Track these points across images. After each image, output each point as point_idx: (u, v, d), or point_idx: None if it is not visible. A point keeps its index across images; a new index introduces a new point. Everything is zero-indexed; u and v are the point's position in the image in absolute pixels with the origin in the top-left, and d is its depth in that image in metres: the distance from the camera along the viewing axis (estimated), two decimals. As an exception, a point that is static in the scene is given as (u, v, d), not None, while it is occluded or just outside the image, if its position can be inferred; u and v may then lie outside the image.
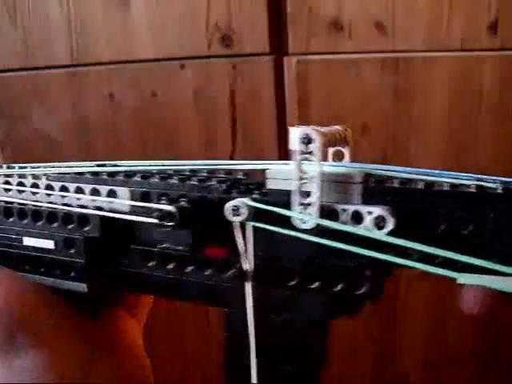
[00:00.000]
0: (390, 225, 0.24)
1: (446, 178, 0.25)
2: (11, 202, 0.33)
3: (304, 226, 0.25)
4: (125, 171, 0.31)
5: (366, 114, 0.74)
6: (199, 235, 0.28)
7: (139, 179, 0.30)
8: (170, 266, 0.29)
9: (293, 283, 0.27)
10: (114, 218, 0.30)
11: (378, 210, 0.24)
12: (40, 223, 0.31)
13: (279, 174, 0.26)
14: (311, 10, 0.72)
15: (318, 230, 0.25)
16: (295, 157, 0.25)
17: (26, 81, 0.82)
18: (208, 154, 0.79)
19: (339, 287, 0.26)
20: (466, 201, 0.24)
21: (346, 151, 0.30)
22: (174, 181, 0.29)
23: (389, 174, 0.26)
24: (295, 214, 0.25)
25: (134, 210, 0.30)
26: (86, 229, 0.30)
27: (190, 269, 0.29)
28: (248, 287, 0.27)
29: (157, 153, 0.81)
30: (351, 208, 0.25)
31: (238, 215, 0.26)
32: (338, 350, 0.84)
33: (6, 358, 0.28)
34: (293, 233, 0.25)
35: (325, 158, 0.30)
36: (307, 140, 0.25)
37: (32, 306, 0.29)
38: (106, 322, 0.33)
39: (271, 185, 0.27)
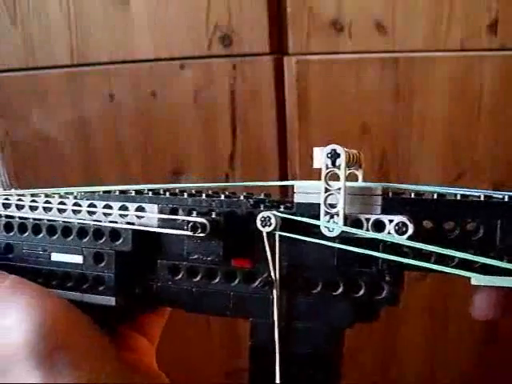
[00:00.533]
0: (410, 230, 0.26)
1: (457, 189, 0.28)
2: (39, 219, 0.33)
3: (330, 234, 0.27)
4: (152, 189, 0.32)
5: (366, 114, 0.74)
6: (229, 246, 0.29)
7: (168, 196, 0.31)
8: (197, 279, 0.31)
9: (317, 290, 0.29)
10: (144, 232, 0.31)
11: (398, 218, 0.26)
12: (69, 239, 0.32)
13: (307, 188, 0.29)
14: (311, 9, 0.72)
15: (343, 239, 0.27)
16: (322, 171, 0.27)
17: (26, 81, 0.82)
18: (208, 153, 0.79)
19: (361, 293, 0.28)
20: (475, 209, 0.26)
21: (359, 174, 0.32)
22: (203, 197, 0.31)
23: (406, 187, 0.29)
24: (322, 222, 0.27)
25: (163, 225, 0.31)
26: (117, 243, 0.31)
27: (216, 280, 0.30)
28: (275, 295, 0.29)
29: (157, 153, 0.81)
30: (373, 217, 0.27)
31: (268, 225, 0.28)
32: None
33: (50, 373, 0.28)
34: (320, 241, 0.27)
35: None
36: (334, 155, 0.27)
37: (69, 324, 0.30)
38: (121, 342, 0.33)
39: (298, 199, 0.29)
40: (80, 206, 0.33)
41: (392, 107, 0.73)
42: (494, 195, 0.27)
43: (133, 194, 0.32)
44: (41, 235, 0.33)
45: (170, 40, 0.76)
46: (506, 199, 0.26)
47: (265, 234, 0.28)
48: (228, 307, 0.30)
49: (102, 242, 0.31)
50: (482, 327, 0.77)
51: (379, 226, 0.27)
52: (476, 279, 0.25)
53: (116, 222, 0.31)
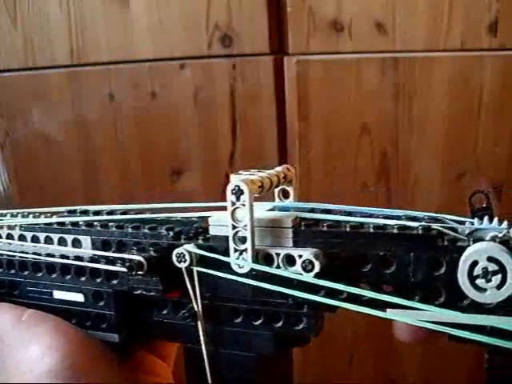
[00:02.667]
0: (317, 267, 0.26)
1: (373, 219, 0.27)
2: (39, 256, 0.34)
3: (241, 271, 0.28)
4: (87, 220, 0.33)
5: (366, 114, 0.74)
6: (166, 280, 0.30)
7: (99, 228, 0.32)
8: (165, 312, 0.32)
9: (239, 320, 0.30)
10: None
11: (306, 254, 0.26)
12: (68, 277, 0.33)
13: (219, 221, 0.29)
14: (311, 9, 0.72)
15: (256, 273, 0.27)
16: (228, 207, 0.27)
17: (26, 81, 0.82)
18: (208, 153, 0.79)
19: (280, 324, 0.29)
20: (387, 241, 0.26)
21: (290, 189, 0.32)
22: (129, 230, 0.31)
23: (319, 216, 0.29)
24: (231, 259, 0.28)
25: (102, 259, 0.32)
26: (115, 282, 0.32)
27: (156, 311, 0.32)
28: (200, 326, 0.30)
29: (157, 153, 0.81)
30: (283, 252, 0.27)
31: (183, 261, 0.29)
32: (338, 350, 0.84)
33: None
34: (231, 276, 0.28)
35: (273, 197, 0.33)
36: (237, 192, 0.27)
37: (90, 354, 0.30)
38: (141, 368, 0.34)
39: (214, 231, 0.29)
40: (25, 237, 0.34)
41: (392, 107, 0.73)
42: (408, 224, 0.26)
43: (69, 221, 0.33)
44: (41, 273, 0.34)
45: (170, 40, 0.76)
46: (420, 230, 0.25)
47: (183, 269, 0.29)
48: (166, 335, 0.32)
49: (99, 280, 0.32)
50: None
51: (290, 260, 0.27)
52: (389, 316, 0.25)
53: (113, 262, 0.32)
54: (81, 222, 0.33)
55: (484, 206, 0.26)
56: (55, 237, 0.33)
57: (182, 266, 0.29)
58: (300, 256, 0.26)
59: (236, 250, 0.27)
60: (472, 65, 0.69)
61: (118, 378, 0.31)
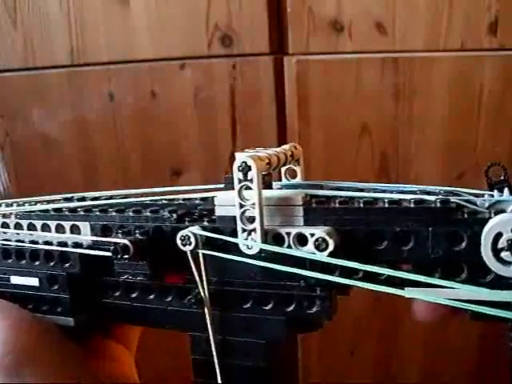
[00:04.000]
0: (331, 246, 0.24)
1: (387, 194, 0.26)
2: None
3: (250, 252, 0.26)
4: (86, 206, 0.32)
5: (366, 114, 0.74)
6: (156, 265, 0.29)
7: (98, 213, 0.31)
8: (134, 295, 0.31)
9: (248, 306, 0.28)
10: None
11: (319, 232, 0.25)
12: (24, 262, 0.33)
13: (226, 200, 0.27)
14: (311, 9, 0.72)
15: (265, 254, 0.26)
16: (235, 185, 0.26)
17: (26, 81, 0.82)
18: (208, 153, 0.79)
19: (292, 307, 0.27)
20: (404, 216, 0.24)
21: (297, 169, 0.31)
22: (130, 214, 0.30)
23: (330, 193, 0.27)
24: (240, 240, 0.26)
25: (95, 244, 0.31)
26: (67, 265, 0.31)
27: (152, 297, 0.30)
28: (206, 312, 0.28)
29: (157, 153, 0.81)
30: (294, 231, 0.26)
31: (188, 244, 0.27)
32: (339, 350, 0.84)
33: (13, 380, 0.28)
34: (240, 258, 0.26)
35: (279, 177, 0.32)
36: (245, 168, 0.25)
37: (38, 338, 0.30)
38: (98, 352, 0.33)
39: (220, 212, 0.28)
40: (21, 225, 0.34)
41: (392, 107, 0.73)
42: (425, 198, 0.25)
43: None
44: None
45: (170, 40, 0.76)
46: (438, 203, 0.24)
47: (188, 253, 0.28)
48: (167, 322, 0.31)
49: (53, 264, 0.32)
50: (482, 323, 0.77)
51: (302, 240, 0.26)
52: (407, 294, 0.24)
53: (66, 244, 0.32)
54: (79, 209, 0.32)
55: (502, 178, 0.25)
56: (53, 224, 0.33)
57: (187, 249, 0.27)
58: (312, 235, 0.25)
59: (244, 231, 0.26)
60: (472, 65, 0.69)
61: (71, 362, 0.30)
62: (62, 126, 0.83)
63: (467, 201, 0.24)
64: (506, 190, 0.25)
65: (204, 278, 0.28)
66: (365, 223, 0.25)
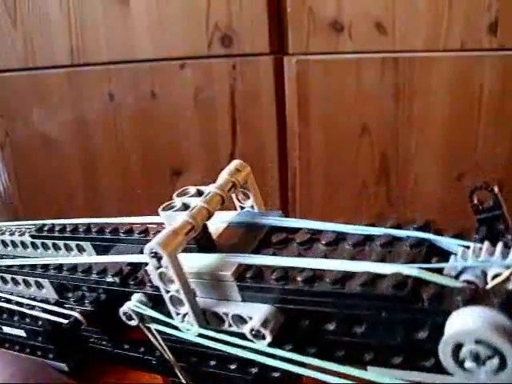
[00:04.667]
0: (268, 337, 0.23)
1: (332, 263, 0.22)
2: None
3: (190, 333, 0.25)
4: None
5: (366, 114, 0.74)
6: (114, 328, 0.30)
7: (54, 272, 0.32)
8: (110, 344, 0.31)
9: (213, 363, 0.27)
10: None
11: (255, 319, 0.23)
12: (6, 315, 0.35)
13: (153, 274, 0.25)
14: (311, 9, 0.72)
15: (206, 335, 0.24)
16: (151, 274, 0.25)
17: (26, 81, 0.82)
18: (208, 153, 0.79)
19: (256, 369, 0.26)
20: (350, 301, 0.21)
21: (249, 193, 0.29)
22: (80, 275, 0.31)
23: (264, 261, 0.24)
24: (177, 323, 0.24)
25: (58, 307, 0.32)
26: (40, 322, 0.33)
27: (126, 347, 0.31)
28: (176, 369, 0.28)
29: (157, 153, 0.81)
30: (231, 311, 0.24)
31: (132, 319, 0.27)
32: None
33: None
34: (183, 337, 0.25)
35: (233, 205, 0.30)
36: (156, 256, 0.23)
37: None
38: None
39: (153, 283, 0.27)
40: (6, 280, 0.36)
41: (392, 107, 0.73)
42: (379, 275, 0.21)
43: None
44: None
45: (170, 40, 0.76)
46: (390, 290, 0.20)
47: (139, 326, 0.27)
48: (147, 367, 0.31)
49: (30, 320, 0.33)
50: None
51: (242, 319, 0.24)
52: (370, 375, 0.20)
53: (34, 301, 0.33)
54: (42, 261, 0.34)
55: (491, 205, 0.21)
56: (20, 279, 0.35)
57: (133, 323, 0.27)
58: (250, 318, 0.23)
59: (178, 314, 0.24)
60: (472, 65, 0.69)
61: None
62: (62, 125, 0.83)
63: (431, 270, 0.20)
64: (486, 244, 0.20)
65: (162, 343, 0.27)
66: (306, 303, 0.22)
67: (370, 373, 0.21)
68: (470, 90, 0.70)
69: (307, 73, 0.74)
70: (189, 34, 0.76)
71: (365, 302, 0.21)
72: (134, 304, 0.26)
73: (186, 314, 0.24)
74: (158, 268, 0.23)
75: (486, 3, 0.66)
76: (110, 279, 0.29)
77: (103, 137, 0.82)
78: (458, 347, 0.18)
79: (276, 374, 0.25)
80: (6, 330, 0.35)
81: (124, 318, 0.27)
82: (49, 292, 0.33)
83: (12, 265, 0.35)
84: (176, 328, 0.25)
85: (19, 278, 0.35)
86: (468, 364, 0.18)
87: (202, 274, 0.24)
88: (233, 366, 0.26)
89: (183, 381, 0.28)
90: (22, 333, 0.34)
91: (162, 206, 0.26)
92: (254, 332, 0.23)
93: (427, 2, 0.68)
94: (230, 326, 0.24)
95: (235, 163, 0.28)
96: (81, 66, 0.80)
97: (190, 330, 0.24)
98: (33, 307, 0.33)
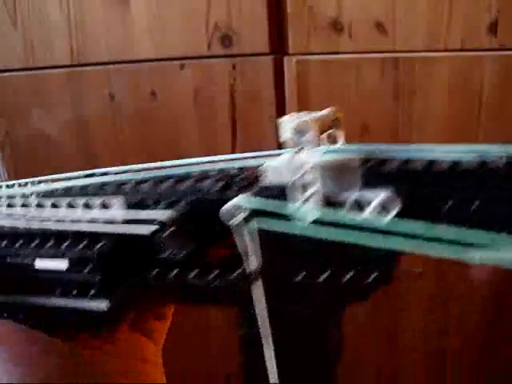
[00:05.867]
0: (393, 211, 0.23)
1: (447, 154, 0.24)
2: (15, 226, 0.31)
3: (306, 220, 0.24)
4: (115, 181, 0.30)
5: (366, 114, 0.74)
6: (199, 239, 0.27)
7: (133, 185, 0.29)
8: (174, 273, 0.28)
9: (300, 277, 0.26)
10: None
11: (379, 197, 0.23)
12: (50, 244, 0.29)
13: (276, 167, 0.25)
14: (311, 9, 0.72)
15: (321, 222, 0.24)
16: (291, 149, 0.24)
17: (26, 81, 0.82)
18: (208, 153, 0.79)
19: (348, 276, 0.25)
20: (466, 177, 0.23)
21: (339, 134, 0.29)
22: (169, 184, 0.28)
23: (386, 155, 0.25)
24: (296, 209, 0.24)
25: (129, 221, 0.28)
26: (99, 245, 0.29)
27: (194, 273, 0.28)
28: (255, 288, 0.26)
29: (157, 153, 0.81)
30: (353, 196, 0.24)
31: (235, 218, 0.25)
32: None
33: None
34: (295, 228, 0.24)
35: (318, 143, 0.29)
36: (302, 131, 0.24)
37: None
38: (127, 349, 0.31)
39: (268, 179, 0.25)
40: (43, 206, 0.30)
41: (392, 107, 0.73)
42: (489, 159, 0.23)
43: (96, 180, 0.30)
44: (19, 242, 0.30)
45: (170, 40, 0.76)
46: (502, 163, 0.23)
47: (236, 226, 0.25)
48: (212, 299, 0.28)
49: (82, 245, 0.29)
50: (482, 328, 0.77)
51: (360, 205, 0.24)
52: (476, 258, 0.21)
53: (95, 221, 0.29)
54: (105, 185, 0.29)
55: None
56: (80, 201, 0.29)
57: (234, 223, 0.25)
58: (371, 199, 0.23)
59: (300, 198, 0.24)
60: (472, 65, 0.69)
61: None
62: (61, 125, 0.83)
63: None
64: None
65: (253, 250, 0.25)
66: (425, 185, 0.23)
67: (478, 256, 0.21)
68: (470, 89, 0.70)
69: (307, 73, 0.74)
70: (189, 34, 0.76)
71: (480, 177, 0.22)
72: (245, 197, 0.25)
73: (310, 197, 0.24)
74: (298, 144, 0.24)
75: (486, 3, 0.66)
76: (208, 185, 0.27)
77: (103, 137, 0.82)
78: None
79: (369, 279, 0.24)
80: (40, 263, 0.29)
81: (224, 218, 0.25)
82: (116, 212, 0.28)
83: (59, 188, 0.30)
84: (287, 221, 0.24)
85: (77, 200, 0.29)
86: None
87: (324, 163, 0.24)
88: (322, 277, 0.25)
89: (260, 309, 0.26)
90: (62, 263, 0.29)
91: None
92: (379, 206, 0.23)
93: (427, 2, 0.68)
94: (347, 213, 0.24)
95: (332, 108, 0.29)
96: (81, 66, 0.80)
97: (308, 216, 0.24)
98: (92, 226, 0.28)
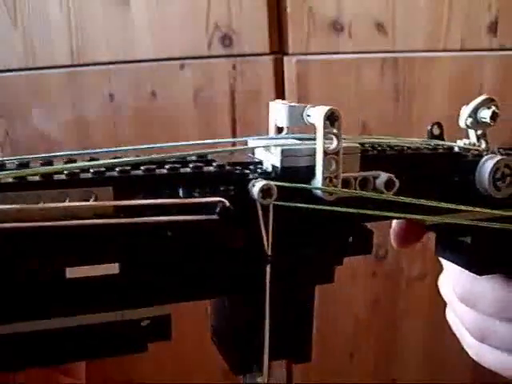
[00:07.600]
0: (397, 184, 0.28)
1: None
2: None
3: (329, 198, 0.27)
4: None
5: (366, 114, 0.74)
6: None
7: (164, 172, 0.28)
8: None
9: (308, 250, 0.28)
10: None
11: (383, 175, 0.28)
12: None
13: (296, 151, 0.28)
14: (311, 9, 0.72)
15: (337, 199, 0.27)
16: (319, 134, 0.27)
17: (26, 81, 0.82)
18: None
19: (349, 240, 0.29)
20: (443, 159, 0.33)
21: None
22: (211, 168, 0.29)
23: (380, 142, 0.31)
24: (322, 188, 0.27)
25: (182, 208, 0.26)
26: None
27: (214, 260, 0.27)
28: (267, 270, 0.26)
29: (157, 152, 0.81)
30: (359, 176, 0.28)
31: (268, 197, 0.25)
32: (339, 349, 0.84)
33: None
34: (322, 207, 0.27)
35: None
36: (332, 118, 0.27)
37: None
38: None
39: (288, 163, 0.27)
40: None
41: (392, 107, 0.73)
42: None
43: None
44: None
45: (170, 40, 0.76)
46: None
47: (259, 206, 0.25)
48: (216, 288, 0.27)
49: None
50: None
51: (364, 184, 0.28)
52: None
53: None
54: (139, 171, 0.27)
55: None
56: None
57: (267, 202, 0.25)
58: (375, 178, 0.28)
59: (325, 178, 0.27)
60: (472, 65, 0.69)
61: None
62: (62, 125, 0.83)
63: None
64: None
65: (271, 232, 0.26)
66: (414, 167, 0.30)
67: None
68: (470, 89, 0.70)
69: (307, 73, 0.74)
70: (189, 33, 0.76)
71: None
72: (271, 177, 0.27)
73: (334, 177, 0.27)
74: (327, 130, 0.27)
75: (486, 3, 0.66)
76: (229, 169, 0.28)
77: (103, 137, 0.82)
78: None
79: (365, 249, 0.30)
80: (74, 273, 0.22)
81: (257, 197, 0.25)
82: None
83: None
84: (307, 199, 0.27)
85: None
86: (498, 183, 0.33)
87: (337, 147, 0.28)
88: (327, 251, 0.29)
89: (267, 292, 0.26)
90: (111, 268, 0.23)
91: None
92: (386, 182, 0.28)
93: (427, 2, 0.68)
94: (355, 189, 0.28)
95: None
96: (81, 66, 0.80)
97: (331, 194, 0.27)
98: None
